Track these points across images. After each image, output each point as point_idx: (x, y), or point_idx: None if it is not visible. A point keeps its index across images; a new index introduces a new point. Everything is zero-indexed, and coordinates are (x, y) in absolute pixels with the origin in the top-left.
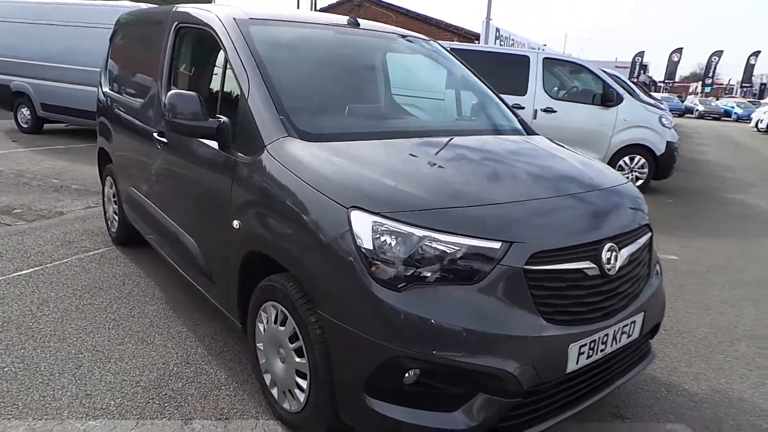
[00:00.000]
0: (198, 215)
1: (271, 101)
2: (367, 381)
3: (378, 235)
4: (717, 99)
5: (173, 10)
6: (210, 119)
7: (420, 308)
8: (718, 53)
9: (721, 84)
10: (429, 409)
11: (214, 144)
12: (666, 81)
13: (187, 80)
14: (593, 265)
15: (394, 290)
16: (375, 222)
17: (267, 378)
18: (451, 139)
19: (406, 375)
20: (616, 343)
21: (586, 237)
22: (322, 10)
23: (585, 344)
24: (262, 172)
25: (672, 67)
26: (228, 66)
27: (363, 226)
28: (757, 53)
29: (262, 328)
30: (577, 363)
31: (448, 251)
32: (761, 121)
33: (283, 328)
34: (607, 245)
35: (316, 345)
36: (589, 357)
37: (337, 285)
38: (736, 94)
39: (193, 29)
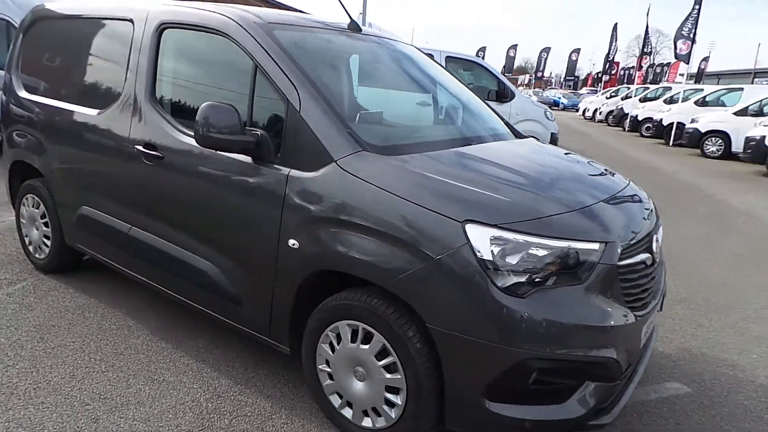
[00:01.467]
0: (221, 235)
1: (332, 114)
2: (488, 386)
3: (497, 246)
4: (543, 90)
5: (150, 7)
6: (247, 132)
7: (543, 311)
8: (547, 50)
9: (545, 77)
10: (545, 404)
11: (242, 158)
12: (505, 74)
13: (183, 89)
14: (649, 255)
15: (517, 297)
16: (493, 234)
17: (334, 400)
18: (498, 144)
19: (531, 376)
20: (654, 319)
21: (644, 230)
22: None
23: (647, 324)
24: (334, 189)
25: (509, 62)
26: (260, 75)
27: (480, 238)
28: (578, 50)
29: (328, 350)
30: (641, 341)
31: (561, 256)
32: (587, 110)
33: (366, 346)
34: (654, 236)
35: (418, 359)
36: (646, 333)
37: (454, 297)
38: (557, 86)
39: (188, 31)
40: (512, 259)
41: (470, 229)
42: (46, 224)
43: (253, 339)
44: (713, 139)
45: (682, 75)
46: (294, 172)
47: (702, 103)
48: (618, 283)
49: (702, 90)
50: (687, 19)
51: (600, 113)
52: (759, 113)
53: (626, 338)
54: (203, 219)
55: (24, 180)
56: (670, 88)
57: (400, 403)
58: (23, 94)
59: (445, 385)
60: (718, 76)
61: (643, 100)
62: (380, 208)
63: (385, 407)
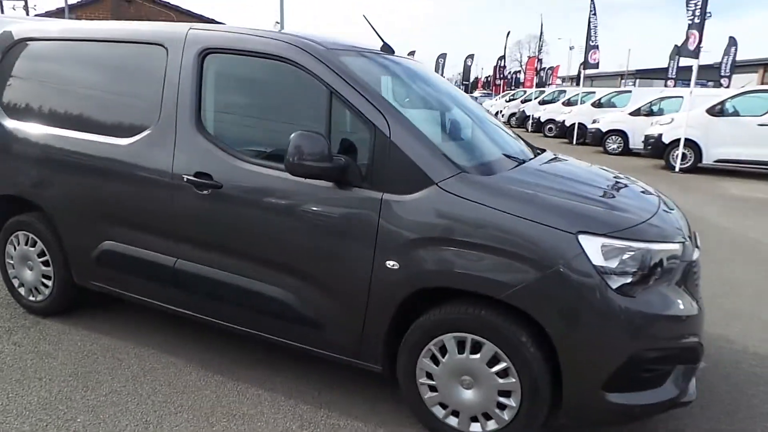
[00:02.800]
0: (299, 262)
1: (424, 138)
2: (607, 379)
3: (606, 253)
4: None
5: (188, 31)
6: (334, 159)
7: (649, 307)
8: (443, 55)
9: None
10: (648, 389)
11: (323, 184)
12: (463, 83)
13: (236, 117)
14: (698, 250)
15: (629, 297)
16: (602, 242)
17: (437, 411)
18: (555, 161)
19: (643, 366)
20: None
21: (689, 231)
22: (83, 4)
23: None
24: (440, 210)
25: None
26: (337, 102)
27: (592, 247)
28: (471, 56)
29: (430, 363)
30: None
31: (658, 257)
32: (489, 112)
33: (476, 356)
34: (694, 235)
35: (534, 362)
36: None
37: (572, 302)
38: None
39: (237, 57)
40: (621, 264)
41: (583, 239)
42: (45, 263)
43: (328, 361)
44: (614, 137)
45: (560, 78)
46: (388, 196)
47: (598, 104)
48: (690, 277)
49: (594, 93)
50: (589, 29)
51: (502, 115)
52: (650, 113)
53: (701, 323)
54: (277, 246)
55: (6, 217)
56: (564, 92)
57: (514, 404)
58: (7, 122)
59: (564, 382)
60: (592, 79)
61: (542, 102)
62: (492, 225)
63: (497, 410)
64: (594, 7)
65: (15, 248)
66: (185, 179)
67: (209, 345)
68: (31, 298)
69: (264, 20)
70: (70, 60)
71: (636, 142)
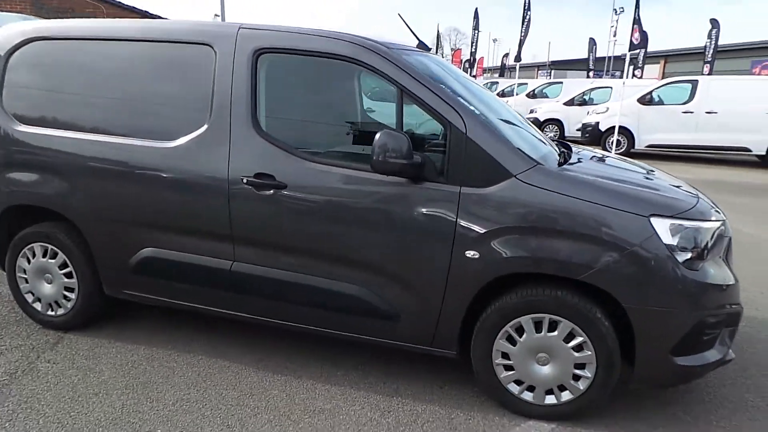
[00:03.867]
0: (376, 257)
1: (500, 133)
2: (675, 345)
3: (674, 232)
4: None
5: (238, 31)
6: (414, 156)
7: (710, 278)
8: None
9: None
10: (703, 351)
11: (396, 180)
12: None
13: (298, 117)
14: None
15: (694, 270)
16: (670, 223)
17: (512, 388)
18: (597, 155)
19: (705, 331)
20: None
21: None
22: None
23: None
24: (520, 200)
25: None
26: (408, 100)
27: (663, 228)
28: None
29: (506, 344)
30: None
31: (710, 234)
32: None
33: (553, 333)
34: None
35: (608, 335)
36: None
37: (647, 278)
38: None
39: (294, 56)
40: (684, 242)
41: (654, 221)
42: (68, 275)
43: (380, 348)
44: (551, 126)
45: (483, 69)
46: (465, 189)
47: (532, 95)
48: (729, 250)
49: (527, 84)
50: (524, 24)
51: None
52: (583, 103)
53: (739, 291)
54: (350, 243)
55: (17, 229)
56: (497, 83)
57: (589, 375)
58: (19, 127)
59: (637, 351)
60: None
61: None
62: (572, 212)
63: (572, 382)
64: (529, 3)
65: (29, 261)
66: (245, 180)
67: (252, 347)
68: (50, 312)
69: (200, 12)
70: (97, 60)
71: (571, 131)
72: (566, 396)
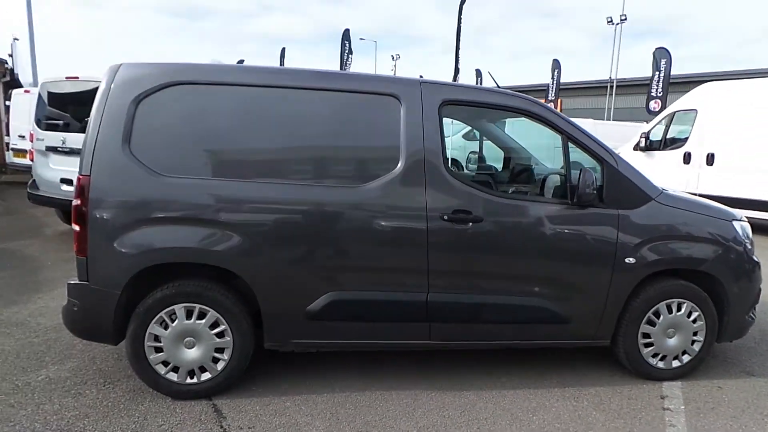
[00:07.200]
0: (558, 272)
1: (635, 168)
2: (750, 306)
3: (741, 230)
4: None
5: (421, 84)
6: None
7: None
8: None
9: None
10: (751, 312)
11: (565, 206)
12: None
13: (477, 159)
14: None
15: (753, 255)
16: (741, 225)
17: (652, 361)
18: None
19: (758, 298)
20: None
21: None
22: None
23: None
24: (661, 217)
25: None
26: (572, 144)
27: (738, 227)
28: None
29: (648, 326)
30: None
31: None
32: None
33: (680, 312)
34: None
35: (713, 309)
36: None
37: (736, 263)
38: None
39: (471, 108)
40: (746, 236)
41: (734, 224)
42: (219, 335)
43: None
44: None
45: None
46: (622, 211)
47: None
48: None
49: None
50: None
51: None
52: None
53: None
54: (538, 262)
55: (146, 291)
56: None
57: (700, 339)
58: (169, 181)
59: (730, 317)
60: None
61: None
62: (694, 222)
63: (690, 346)
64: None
65: (167, 327)
66: (445, 217)
67: (417, 370)
68: (190, 380)
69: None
70: (265, 107)
71: None
72: (686, 359)
